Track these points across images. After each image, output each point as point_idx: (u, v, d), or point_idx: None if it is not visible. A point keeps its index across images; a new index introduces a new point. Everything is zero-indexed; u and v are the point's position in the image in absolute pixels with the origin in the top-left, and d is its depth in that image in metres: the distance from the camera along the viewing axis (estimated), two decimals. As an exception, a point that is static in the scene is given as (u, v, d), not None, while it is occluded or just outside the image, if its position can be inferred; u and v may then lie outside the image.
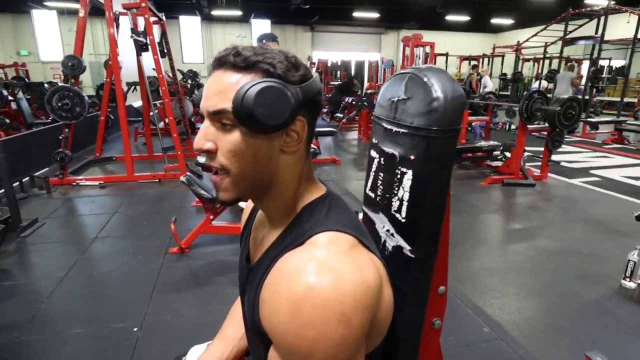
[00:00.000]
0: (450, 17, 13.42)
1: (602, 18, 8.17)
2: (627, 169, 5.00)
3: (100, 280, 2.21)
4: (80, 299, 2.02)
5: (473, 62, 10.88)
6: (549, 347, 1.69)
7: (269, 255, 0.56)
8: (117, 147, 6.09)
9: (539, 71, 11.85)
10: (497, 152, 4.84)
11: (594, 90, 9.02)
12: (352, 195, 3.78)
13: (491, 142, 4.93)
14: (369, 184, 0.79)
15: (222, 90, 0.50)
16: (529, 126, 4.25)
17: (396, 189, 0.66)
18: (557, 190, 4.17)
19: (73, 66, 3.66)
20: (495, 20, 14.16)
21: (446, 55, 11.50)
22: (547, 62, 11.43)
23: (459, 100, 0.58)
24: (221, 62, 0.51)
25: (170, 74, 5.16)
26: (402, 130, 0.64)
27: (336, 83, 10.72)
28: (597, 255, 2.58)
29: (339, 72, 13.10)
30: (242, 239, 0.74)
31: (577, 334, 1.77)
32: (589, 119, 7.68)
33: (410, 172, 0.62)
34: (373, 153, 0.77)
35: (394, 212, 0.68)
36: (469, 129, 6.70)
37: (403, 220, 0.65)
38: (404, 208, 0.64)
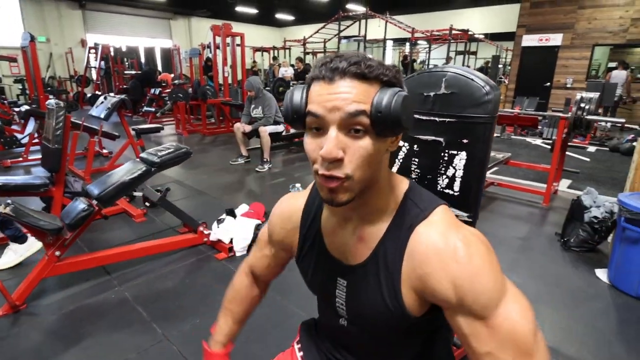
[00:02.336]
0: (240, 9, 13.77)
1: (363, 21, 10.29)
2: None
3: None
4: None
5: (274, 54, 11.63)
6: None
7: (390, 241, 0.60)
8: None
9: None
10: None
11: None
12: (196, 189, 3.60)
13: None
14: (395, 170, 0.87)
15: (358, 95, 0.52)
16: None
17: (443, 169, 0.79)
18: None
19: None
20: (279, 16, 15.46)
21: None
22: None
23: (499, 92, 0.75)
24: (346, 72, 0.52)
25: None
26: (448, 119, 0.76)
27: (133, 72, 9.37)
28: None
29: (126, 60, 11.40)
30: (306, 249, 0.72)
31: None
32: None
33: (464, 153, 0.76)
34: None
35: (441, 189, 0.80)
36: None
37: (457, 194, 0.78)
38: (457, 183, 0.78)
